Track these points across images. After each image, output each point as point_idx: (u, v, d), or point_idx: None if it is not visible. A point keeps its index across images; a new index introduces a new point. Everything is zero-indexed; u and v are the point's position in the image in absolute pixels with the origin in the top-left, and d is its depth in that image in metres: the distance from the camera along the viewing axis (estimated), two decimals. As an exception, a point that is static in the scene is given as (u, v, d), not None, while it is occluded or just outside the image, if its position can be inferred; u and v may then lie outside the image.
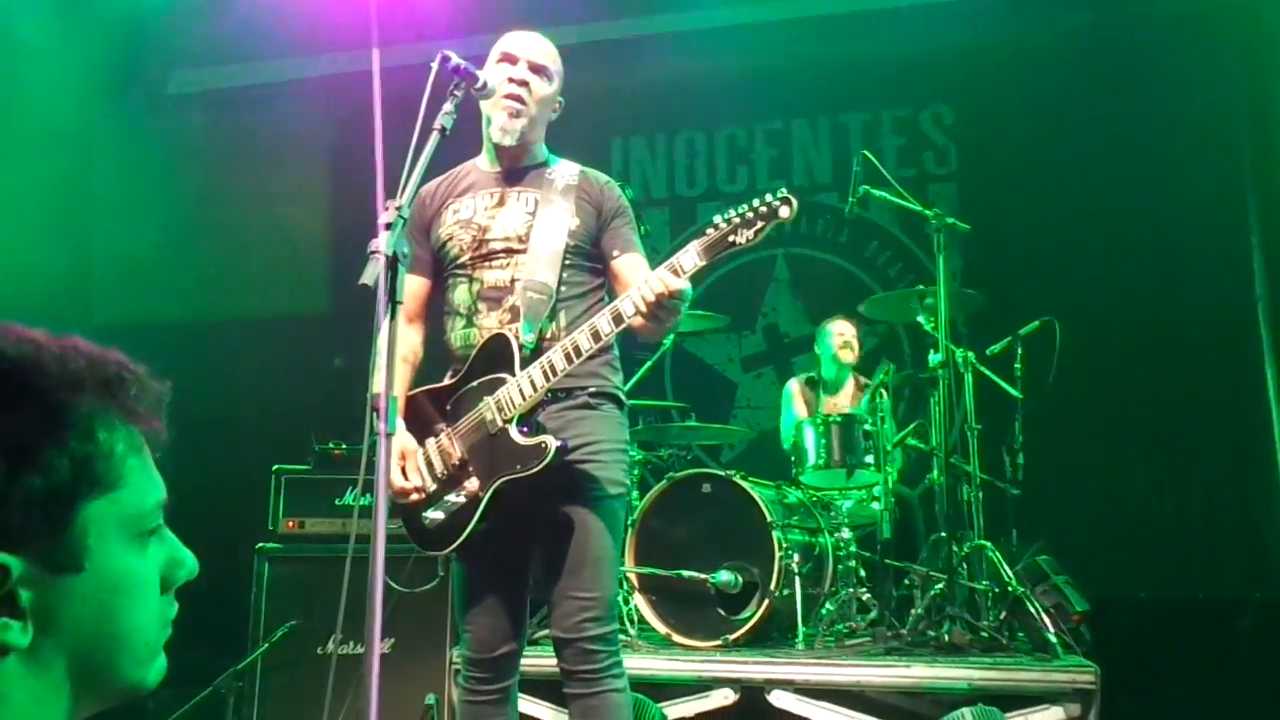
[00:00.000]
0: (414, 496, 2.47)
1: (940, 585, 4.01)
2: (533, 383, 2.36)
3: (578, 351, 2.32)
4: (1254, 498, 5.46)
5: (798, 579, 4.11)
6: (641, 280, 2.27)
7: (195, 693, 3.81)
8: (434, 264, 2.64)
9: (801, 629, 4.08)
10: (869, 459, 4.51)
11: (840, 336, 5.28)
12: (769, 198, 2.20)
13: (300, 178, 6.60)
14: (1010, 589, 3.94)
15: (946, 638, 3.83)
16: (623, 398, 2.61)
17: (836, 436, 4.58)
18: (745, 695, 3.61)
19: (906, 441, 4.80)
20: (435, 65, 2.23)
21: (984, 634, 3.87)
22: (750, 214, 2.21)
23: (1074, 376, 4.74)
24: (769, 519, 4.08)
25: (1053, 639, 3.66)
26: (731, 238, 2.21)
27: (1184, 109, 5.62)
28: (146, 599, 0.91)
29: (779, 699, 3.55)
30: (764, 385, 6.39)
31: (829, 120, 6.55)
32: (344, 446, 4.17)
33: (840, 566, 4.40)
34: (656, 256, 2.55)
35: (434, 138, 2.14)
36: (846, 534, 4.49)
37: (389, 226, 1.93)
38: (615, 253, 2.57)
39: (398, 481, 2.45)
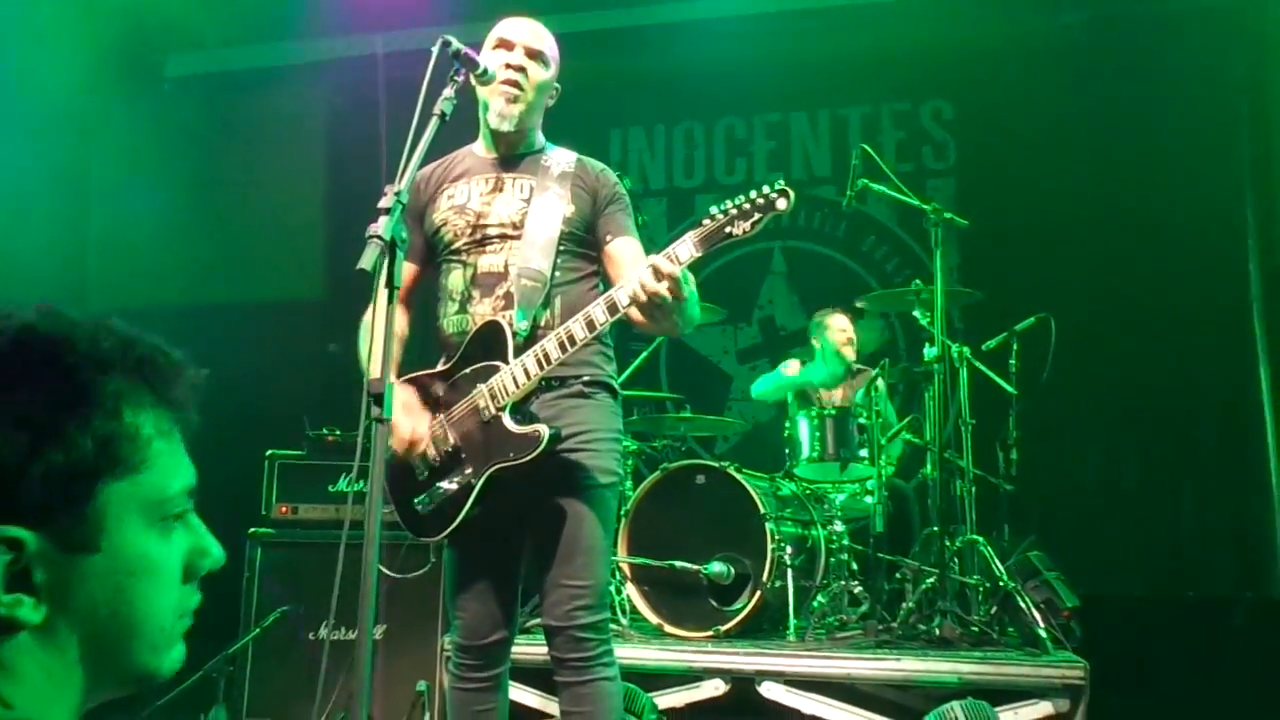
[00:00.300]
0: (420, 448, 2.44)
1: (932, 579, 4.02)
2: (526, 371, 2.36)
3: (572, 340, 2.32)
4: (1246, 497, 5.48)
5: (790, 571, 4.12)
6: (638, 268, 2.26)
7: (186, 677, 3.81)
8: (425, 249, 2.63)
9: (793, 621, 4.09)
10: (863, 453, 4.51)
11: (843, 333, 5.29)
12: (766, 189, 2.20)
13: (296, 162, 6.59)
14: (1001, 584, 3.94)
15: (937, 631, 3.84)
16: (616, 387, 2.61)
17: (830, 430, 4.58)
18: (736, 686, 3.62)
19: (901, 436, 4.81)
20: (435, 50, 2.22)
21: (975, 628, 3.88)
22: (747, 205, 2.20)
23: (1068, 373, 4.75)
24: (762, 511, 4.09)
25: (1043, 634, 3.67)
26: (728, 229, 2.21)
27: (1182, 106, 5.63)
28: (164, 585, 0.90)
29: (769, 690, 3.56)
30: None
31: (828, 113, 6.55)
32: (338, 432, 4.17)
33: (832, 559, 4.41)
34: (654, 248, 2.54)
35: (434, 123, 2.13)
36: (839, 527, 4.50)
37: (387, 211, 1.93)
38: (609, 237, 2.56)
39: (405, 431, 2.40)
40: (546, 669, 2.52)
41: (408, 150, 2.07)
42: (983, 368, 4.63)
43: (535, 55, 2.56)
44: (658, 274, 2.16)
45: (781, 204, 2.19)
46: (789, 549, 4.11)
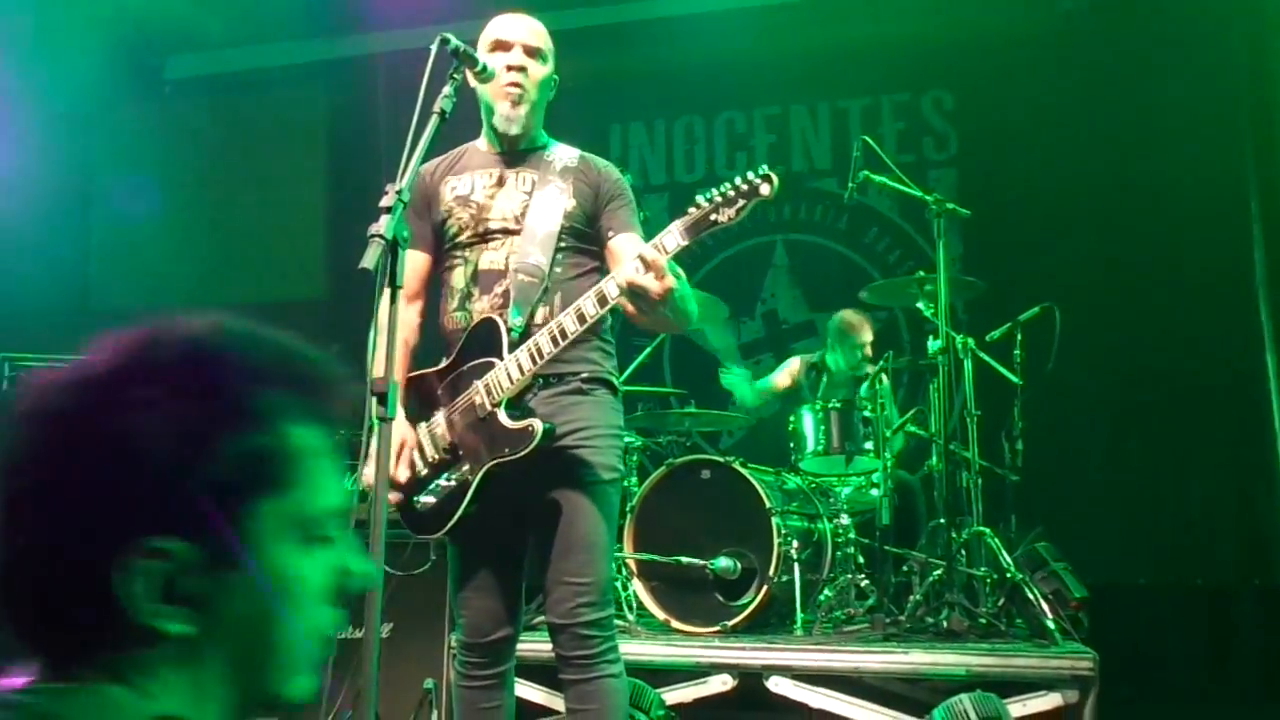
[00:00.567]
0: (393, 496, 2.47)
1: (939, 572, 4.01)
2: (520, 366, 2.35)
3: (564, 334, 2.31)
4: (1253, 486, 5.46)
5: (796, 565, 4.11)
6: (627, 259, 2.25)
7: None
8: (435, 239, 2.63)
9: (800, 615, 4.08)
10: (868, 445, 4.51)
11: (865, 347, 5.25)
12: (750, 175, 2.18)
13: (297, 162, 6.59)
14: (1009, 575, 3.93)
15: (945, 624, 3.83)
16: (616, 383, 2.60)
17: (835, 423, 4.58)
18: (743, 681, 3.61)
19: (906, 428, 4.80)
20: (434, 48, 2.21)
21: (982, 620, 3.86)
22: (731, 192, 2.19)
23: (1073, 363, 4.73)
24: (768, 505, 4.08)
25: (1051, 625, 3.65)
26: (713, 216, 2.20)
27: (1185, 94, 5.60)
28: (308, 606, 0.89)
29: (777, 685, 3.55)
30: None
31: (828, 105, 6.52)
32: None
33: (839, 553, 4.40)
34: (653, 243, 2.53)
35: (433, 121, 2.13)
36: (845, 520, 4.49)
37: (389, 210, 1.92)
38: (611, 233, 2.55)
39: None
40: (553, 665, 2.51)
41: (408, 148, 2.07)
42: (987, 358, 4.61)
43: (534, 53, 2.54)
44: (644, 264, 2.15)
45: (765, 189, 2.17)
46: (795, 543, 4.10)
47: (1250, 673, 4.85)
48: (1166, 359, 5.50)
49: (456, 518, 2.42)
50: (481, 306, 2.49)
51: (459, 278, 2.55)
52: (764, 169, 2.18)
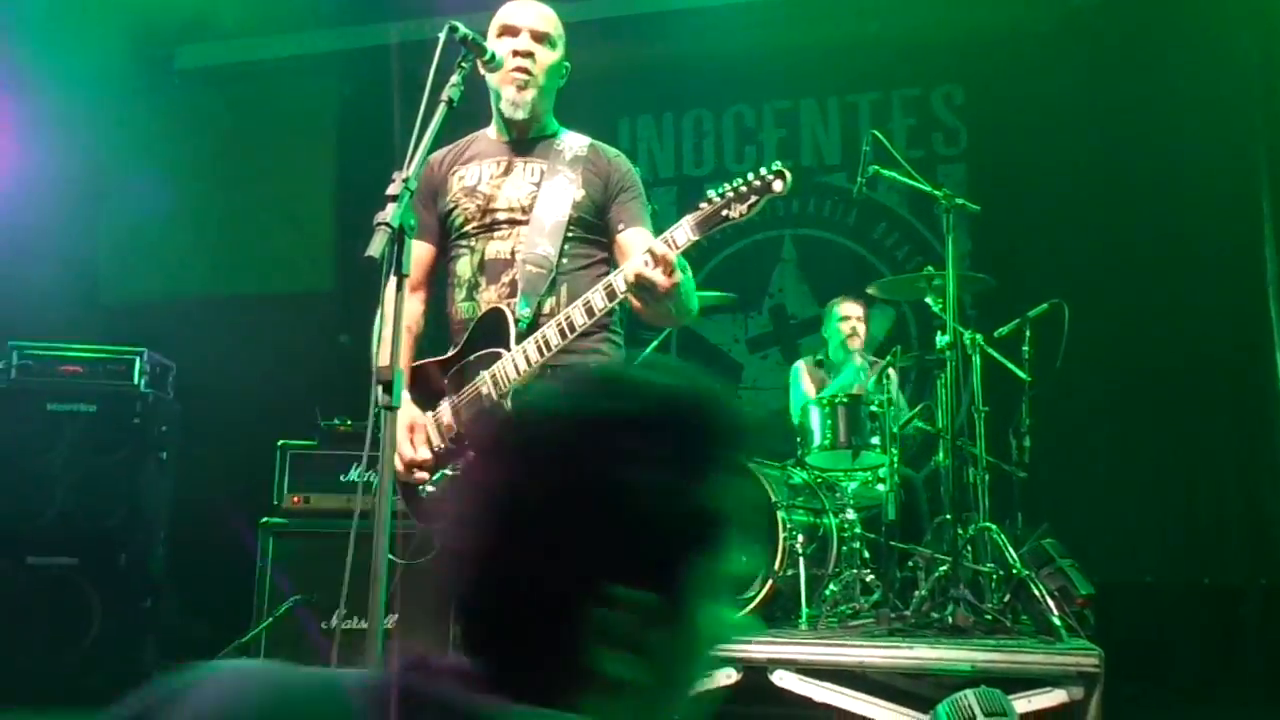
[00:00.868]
0: (418, 474, 2.47)
1: (945, 567, 4.00)
2: (527, 357, 2.35)
3: (572, 327, 2.31)
4: (1261, 484, 5.43)
5: (802, 559, 4.11)
6: (636, 254, 2.25)
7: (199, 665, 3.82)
8: (440, 231, 2.63)
9: (805, 609, 4.07)
10: (875, 440, 4.50)
11: (847, 321, 5.25)
12: (763, 171, 2.18)
13: (308, 153, 6.59)
14: (1015, 572, 3.92)
15: (950, 619, 3.82)
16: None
17: (842, 417, 4.57)
18: (747, 674, 3.60)
19: (913, 423, 4.79)
20: (442, 36, 2.21)
21: (988, 616, 3.86)
22: (744, 188, 2.19)
23: (1082, 360, 4.72)
24: (774, 499, 4.08)
25: (1057, 622, 3.65)
26: (725, 212, 2.20)
27: (1195, 90, 5.57)
28: (707, 663, 0.92)
29: (781, 679, 3.55)
30: (770, 366, 6.37)
31: (838, 100, 6.50)
32: (350, 422, 4.17)
33: (844, 547, 4.40)
34: (662, 236, 2.53)
35: (441, 109, 2.12)
36: (851, 515, 4.49)
37: (396, 199, 1.92)
38: (620, 226, 2.55)
39: (407, 453, 2.44)
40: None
41: (415, 137, 2.07)
42: (995, 354, 4.60)
43: (542, 38, 2.54)
44: (654, 259, 2.15)
45: (778, 186, 2.17)
46: (801, 537, 4.10)
47: (1257, 671, 4.83)
48: (1175, 356, 5.48)
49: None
50: (489, 296, 2.49)
51: (465, 267, 2.55)
52: (776, 165, 2.18)
